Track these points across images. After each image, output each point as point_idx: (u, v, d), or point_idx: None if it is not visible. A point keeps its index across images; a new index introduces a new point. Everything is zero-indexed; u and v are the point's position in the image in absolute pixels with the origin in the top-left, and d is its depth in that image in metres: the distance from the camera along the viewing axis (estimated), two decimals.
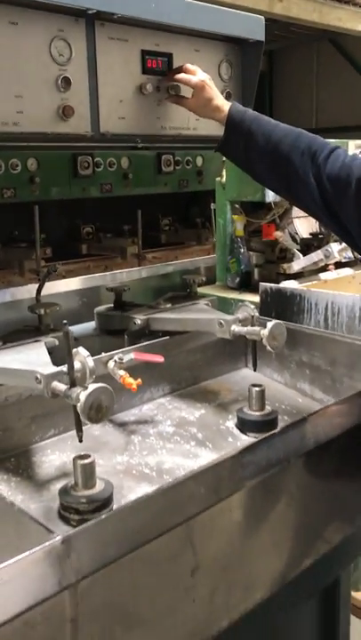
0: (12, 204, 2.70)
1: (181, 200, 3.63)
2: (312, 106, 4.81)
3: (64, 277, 2.71)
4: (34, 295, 2.03)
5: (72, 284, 2.45)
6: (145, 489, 1.31)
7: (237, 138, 1.52)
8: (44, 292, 2.26)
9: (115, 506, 1.21)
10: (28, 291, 2.22)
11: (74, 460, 1.20)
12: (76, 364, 1.26)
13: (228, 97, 1.70)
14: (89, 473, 1.19)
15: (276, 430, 1.39)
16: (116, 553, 0.81)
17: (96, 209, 3.16)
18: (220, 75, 1.70)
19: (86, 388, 1.13)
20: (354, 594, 2.39)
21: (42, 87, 1.31)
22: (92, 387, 1.13)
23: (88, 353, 1.27)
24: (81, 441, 1.21)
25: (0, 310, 2.05)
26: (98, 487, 1.20)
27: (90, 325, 2.11)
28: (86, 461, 1.19)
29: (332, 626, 1.82)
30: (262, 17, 1.69)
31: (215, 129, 1.60)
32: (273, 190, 1.88)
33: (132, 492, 1.30)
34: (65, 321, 1.15)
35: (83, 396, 1.12)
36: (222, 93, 1.64)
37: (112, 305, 2.04)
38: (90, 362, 1.26)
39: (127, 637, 0.87)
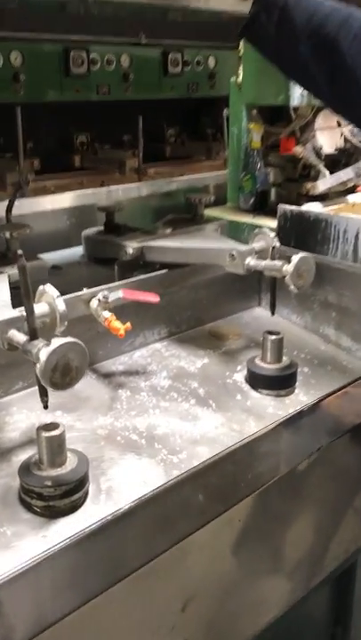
0: None
1: (190, 108, 3.20)
2: None
3: (53, 193, 2.38)
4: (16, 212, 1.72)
5: (60, 200, 2.13)
6: (131, 461, 1.05)
7: (269, 14, 1.15)
8: (27, 209, 1.94)
9: (91, 487, 0.96)
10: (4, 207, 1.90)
11: (37, 430, 0.93)
12: (42, 308, 0.97)
13: None
14: (56, 448, 0.93)
15: (297, 408, 1.07)
16: (71, 602, 0.55)
17: (92, 115, 2.75)
18: None
19: (49, 343, 0.84)
20: None
21: None
22: (56, 342, 0.84)
23: (58, 292, 0.98)
24: (46, 407, 0.94)
25: None
26: (68, 464, 0.95)
27: (77, 251, 1.81)
28: (54, 433, 0.93)
29: (345, 599, 1.63)
30: None
31: (232, 2, 1.22)
32: (307, 88, 1.49)
33: (114, 465, 1.04)
34: (20, 251, 0.85)
35: (44, 354, 0.84)
36: None
37: (102, 228, 1.72)
38: (60, 305, 0.97)
39: None
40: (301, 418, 0.85)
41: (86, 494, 0.96)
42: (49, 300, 0.98)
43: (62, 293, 1.00)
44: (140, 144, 2.53)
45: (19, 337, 0.92)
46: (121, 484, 0.99)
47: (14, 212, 1.94)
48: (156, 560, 0.62)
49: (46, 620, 0.54)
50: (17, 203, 2.05)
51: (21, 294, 0.87)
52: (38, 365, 0.84)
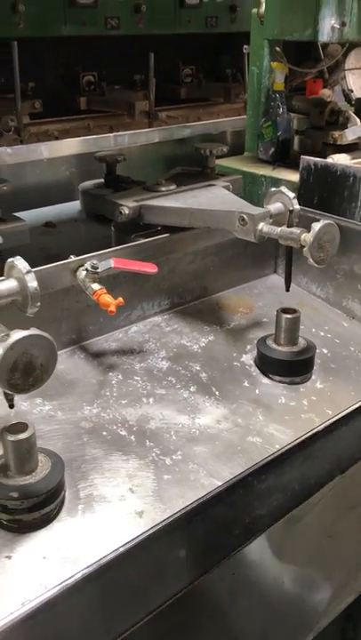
0: None
1: (208, 44, 2.93)
2: None
3: (57, 138, 2.19)
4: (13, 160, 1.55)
5: (60, 148, 1.94)
6: (116, 463, 0.91)
7: None
8: (23, 157, 1.77)
9: (68, 493, 0.83)
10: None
11: (2, 433, 0.79)
12: (10, 284, 0.81)
13: None
14: (25, 453, 0.79)
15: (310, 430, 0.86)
16: None
17: (99, 52, 2.52)
18: None
19: (7, 336, 0.68)
20: None
21: None
22: (15, 335, 0.68)
23: (27, 266, 0.82)
24: (11, 407, 0.79)
25: None
26: (40, 471, 0.81)
27: (75, 206, 1.63)
28: (21, 437, 0.78)
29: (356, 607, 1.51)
30: None
31: None
32: None
33: (97, 467, 0.90)
34: None
35: (0, 348, 0.68)
36: None
37: (102, 180, 1.54)
38: (31, 281, 0.81)
39: None
40: (315, 442, 0.69)
41: (61, 504, 0.82)
42: (18, 275, 0.82)
43: (53, 256, 0.84)
44: (151, 84, 2.30)
45: None
46: (103, 492, 0.85)
47: (9, 159, 1.77)
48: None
49: None
50: (13, 149, 1.87)
51: None
52: None
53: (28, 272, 0.81)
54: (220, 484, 0.64)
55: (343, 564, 0.79)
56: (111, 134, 2.05)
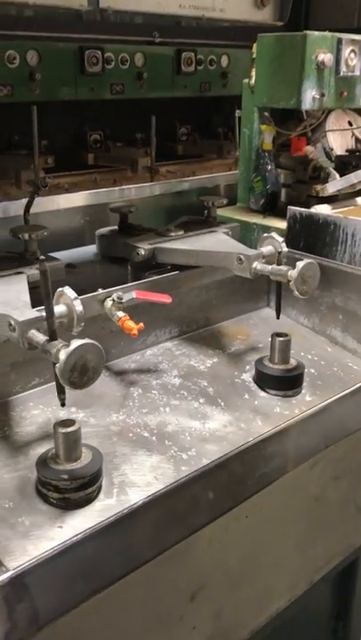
0: (9, 104, 2.37)
1: (202, 106, 3.23)
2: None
3: (67, 191, 2.42)
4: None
5: (74, 199, 2.17)
6: (142, 457, 1.09)
7: None
8: (41, 207, 1.99)
9: (104, 481, 1.01)
10: (22, 205, 1.94)
11: (55, 426, 0.98)
12: (61, 309, 1.02)
13: None
14: (72, 443, 0.98)
15: (303, 414, 1.10)
16: (84, 594, 0.59)
17: (105, 113, 2.79)
18: None
19: (68, 344, 0.89)
20: None
21: None
22: (75, 343, 0.88)
23: (75, 294, 1.02)
24: (63, 405, 0.99)
25: None
26: (83, 459, 0.99)
27: (91, 250, 1.85)
28: (70, 429, 0.97)
29: (346, 594, 1.67)
30: None
31: (248, 11, 1.26)
32: None
33: (126, 460, 1.09)
34: (42, 257, 0.89)
35: (63, 354, 0.88)
36: None
37: (116, 227, 1.76)
38: (78, 306, 1.02)
39: None
40: (307, 419, 0.89)
41: (100, 488, 1.00)
42: (67, 301, 1.02)
43: (77, 292, 1.04)
44: (152, 143, 2.56)
45: (38, 337, 0.96)
46: (133, 479, 1.03)
47: (32, 209, 1.99)
48: (166, 552, 0.67)
49: (67, 604, 0.58)
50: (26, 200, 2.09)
51: (42, 297, 0.92)
52: (58, 365, 0.88)
53: (76, 298, 1.02)
54: None
55: (331, 526, 0.97)
56: (117, 187, 2.28)
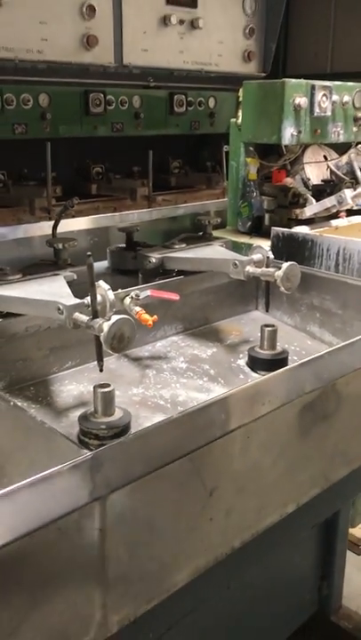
0: (22, 140, 2.68)
1: (192, 142, 3.58)
2: (328, 49, 4.69)
3: (73, 217, 2.71)
4: (45, 232, 2.04)
5: (83, 223, 2.45)
6: (160, 417, 1.34)
7: None
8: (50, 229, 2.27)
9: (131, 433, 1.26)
10: (39, 228, 2.23)
11: (94, 388, 1.23)
12: (97, 297, 1.29)
13: (251, 33, 1.67)
14: (108, 401, 1.23)
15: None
16: (142, 470, 0.86)
17: (106, 148, 3.12)
18: (245, 8, 1.66)
19: (109, 318, 1.16)
20: (350, 529, 2.50)
21: (67, 14, 1.29)
22: (114, 317, 1.16)
23: (109, 286, 1.29)
24: (102, 370, 1.25)
25: (13, 246, 2.06)
26: (116, 415, 1.25)
27: (102, 265, 2.13)
28: (106, 390, 1.23)
29: (329, 557, 1.92)
30: None
31: (238, 65, 1.57)
32: None
33: (148, 421, 1.35)
34: (89, 252, 1.17)
35: (106, 326, 1.15)
36: (245, 29, 1.61)
37: (124, 245, 2.05)
38: (110, 295, 1.29)
39: (148, 549, 0.93)
40: (294, 370, 1.17)
41: None
42: (102, 292, 1.29)
43: None
44: (150, 175, 2.88)
45: (82, 317, 1.23)
46: None
47: (43, 231, 2.27)
48: (193, 453, 0.93)
49: (127, 479, 0.84)
50: (44, 224, 2.39)
51: (88, 284, 1.19)
52: (102, 334, 1.15)
53: (109, 289, 1.29)
54: None
55: (312, 459, 1.23)
56: (123, 213, 2.58)
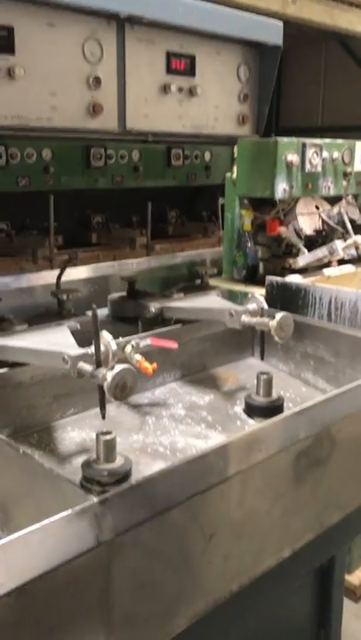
0: (27, 192, 2.79)
1: (188, 193, 3.71)
2: (318, 105, 4.90)
3: (75, 265, 2.80)
4: (48, 281, 2.12)
5: (84, 271, 2.54)
6: (161, 466, 1.39)
7: None
8: (53, 277, 2.35)
9: (133, 480, 1.31)
10: (42, 277, 2.31)
11: (97, 435, 1.28)
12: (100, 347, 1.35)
13: (245, 98, 1.78)
14: (110, 448, 1.28)
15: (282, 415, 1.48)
16: (145, 516, 0.90)
17: (106, 199, 3.24)
18: (239, 76, 1.78)
19: (112, 368, 1.22)
20: (347, 576, 2.50)
21: (74, 85, 1.39)
22: (118, 367, 1.22)
23: (111, 337, 1.36)
24: (104, 418, 1.30)
25: (17, 295, 2.14)
26: (118, 462, 1.29)
27: (102, 312, 2.20)
28: (108, 437, 1.28)
29: (326, 604, 1.93)
30: (280, 22, 1.76)
31: (233, 128, 1.68)
32: None
33: (148, 467, 1.39)
34: (94, 305, 1.24)
35: (109, 375, 1.21)
36: (239, 95, 1.72)
37: (124, 293, 2.12)
38: (113, 345, 1.35)
39: (151, 593, 0.97)
40: (289, 418, 1.23)
41: None
42: (105, 341, 1.36)
43: None
44: (148, 225, 2.99)
45: (87, 367, 1.29)
46: None
47: (45, 280, 2.35)
48: (192, 499, 0.98)
49: (130, 523, 0.89)
50: (46, 273, 2.46)
51: (92, 333, 1.25)
52: (105, 383, 1.21)
53: (111, 339, 1.36)
54: None
55: (306, 504, 1.26)
56: (124, 261, 2.67)
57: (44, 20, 1.29)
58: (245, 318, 1.68)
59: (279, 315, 1.60)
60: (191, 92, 1.64)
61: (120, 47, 1.45)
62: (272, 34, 1.75)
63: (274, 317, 1.61)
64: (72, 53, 1.37)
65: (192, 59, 1.62)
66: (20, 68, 1.27)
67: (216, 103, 1.69)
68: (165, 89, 1.58)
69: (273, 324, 1.60)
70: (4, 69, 1.26)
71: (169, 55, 1.57)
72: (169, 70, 1.58)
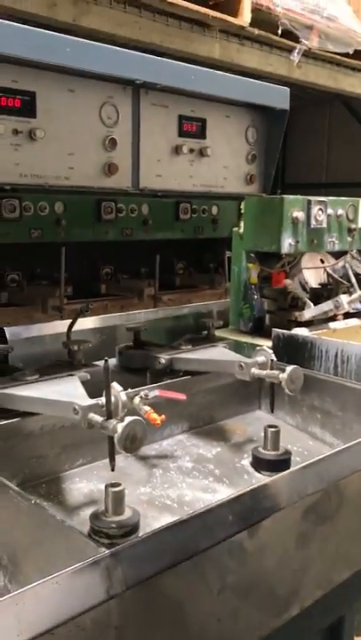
0: (39, 243, 2.85)
1: (196, 246, 3.78)
2: (323, 162, 5.05)
3: (84, 316, 2.84)
4: (57, 331, 2.16)
5: (93, 322, 2.58)
6: (168, 519, 1.39)
7: None
8: (63, 327, 2.39)
9: (141, 533, 1.30)
10: (53, 327, 2.35)
11: (105, 487, 1.29)
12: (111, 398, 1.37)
13: (253, 159, 1.85)
14: (119, 500, 1.29)
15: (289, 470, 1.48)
16: (155, 569, 0.91)
17: (115, 251, 3.30)
18: (247, 138, 1.86)
19: (122, 420, 1.23)
20: (356, 638, 2.43)
21: (91, 146, 1.46)
22: (128, 419, 1.23)
23: (121, 388, 1.38)
24: (113, 470, 1.31)
25: (27, 344, 2.17)
26: (126, 514, 1.29)
27: (110, 362, 2.22)
28: (117, 489, 1.28)
29: None
30: (287, 88, 1.85)
31: (241, 187, 1.74)
32: None
33: (156, 520, 1.39)
34: (106, 358, 1.27)
35: (120, 427, 1.23)
36: (248, 156, 1.79)
37: (131, 343, 2.15)
38: (123, 396, 1.37)
39: None
40: (297, 473, 1.23)
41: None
42: (115, 393, 1.38)
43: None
44: (157, 277, 3.04)
45: (97, 418, 1.30)
46: None
47: (55, 330, 2.39)
48: (202, 554, 0.98)
49: (140, 577, 0.89)
50: (57, 323, 2.50)
51: (104, 386, 1.27)
52: (116, 435, 1.22)
53: (121, 391, 1.38)
54: None
55: (315, 561, 1.25)
56: (131, 312, 2.71)
57: (65, 85, 1.37)
58: (255, 370, 1.70)
59: (290, 367, 1.62)
60: (202, 153, 1.71)
61: (135, 111, 1.53)
62: (279, 99, 1.84)
63: (284, 370, 1.63)
64: (90, 117, 1.44)
65: (203, 122, 1.70)
66: (41, 130, 1.33)
67: (225, 164, 1.76)
68: (177, 150, 1.65)
69: (284, 376, 1.62)
70: (26, 131, 1.32)
71: (181, 118, 1.65)
72: (181, 133, 1.65)
